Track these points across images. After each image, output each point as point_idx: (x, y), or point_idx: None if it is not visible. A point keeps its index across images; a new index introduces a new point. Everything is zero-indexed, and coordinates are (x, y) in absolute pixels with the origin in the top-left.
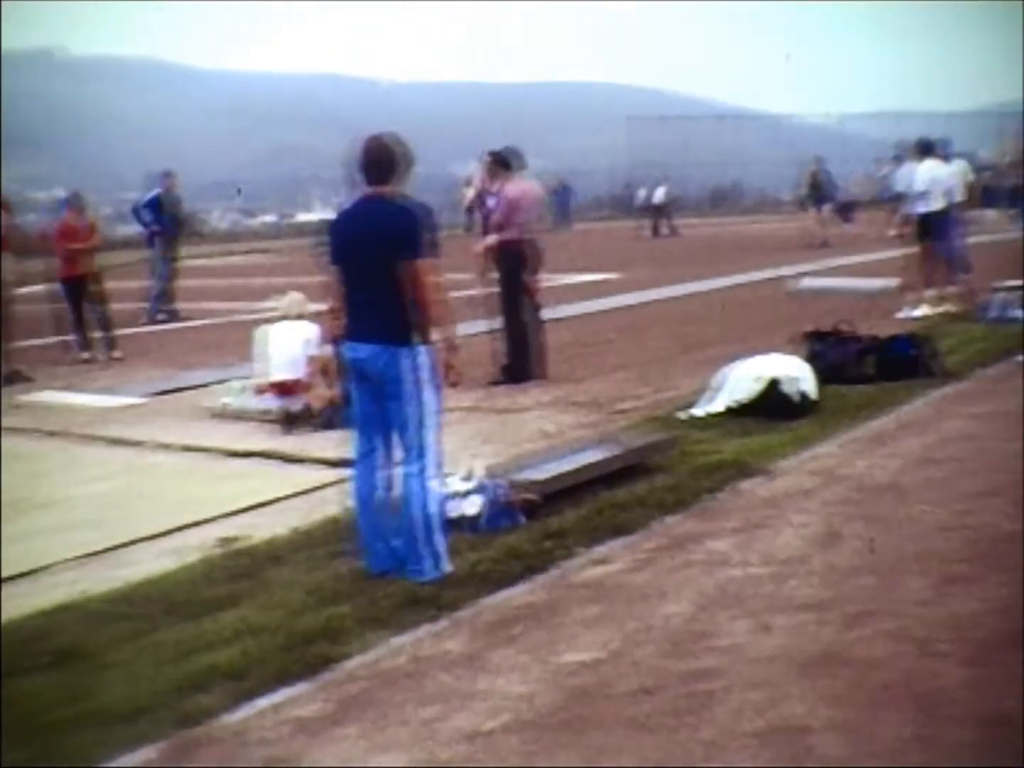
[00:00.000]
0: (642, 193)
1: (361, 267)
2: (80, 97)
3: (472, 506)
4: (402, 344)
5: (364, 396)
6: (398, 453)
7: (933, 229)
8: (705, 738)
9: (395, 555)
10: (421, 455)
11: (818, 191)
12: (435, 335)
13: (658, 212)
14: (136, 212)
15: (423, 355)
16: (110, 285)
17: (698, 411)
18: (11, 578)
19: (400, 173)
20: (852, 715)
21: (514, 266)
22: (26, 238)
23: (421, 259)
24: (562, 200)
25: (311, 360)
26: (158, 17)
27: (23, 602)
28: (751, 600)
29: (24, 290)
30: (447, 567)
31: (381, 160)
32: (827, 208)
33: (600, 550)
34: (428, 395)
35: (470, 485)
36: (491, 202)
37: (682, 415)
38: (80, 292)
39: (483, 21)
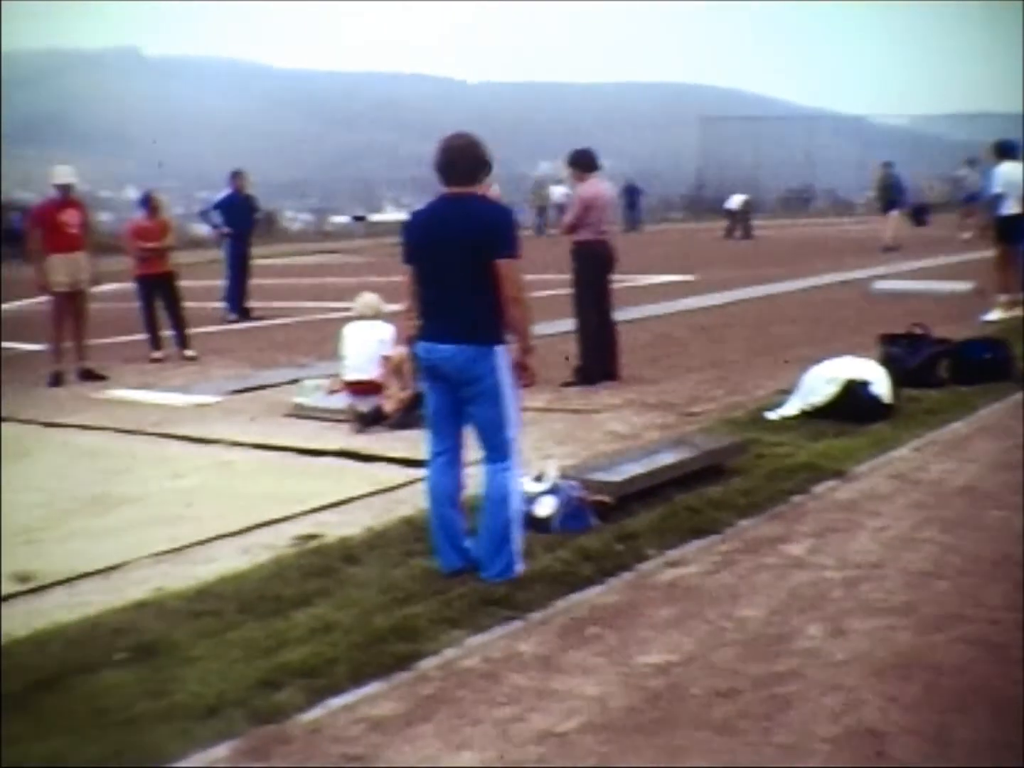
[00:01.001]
0: (729, 200)
1: (446, 266)
2: (155, 97)
3: (545, 507)
4: (486, 344)
5: (439, 396)
6: (472, 453)
7: (1010, 232)
8: (780, 742)
9: (468, 555)
10: (504, 455)
11: (887, 194)
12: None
13: (734, 215)
14: (203, 214)
15: (504, 355)
16: (185, 284)
17: (772, 414)
18: (90, 574)
19: (483, 173)
20: (928, 720)
21: (588, 267)
22: (101, 237)
23: (514, 259)
24: (631, 201)
25: (385, 360)
26: (236, 17)
27: (102, 598)
28: (826, 604)
29: (99, 288)
30: (521, 568)
31: (465, 159)
32: (896, 212)
33: (674, 553)
34: (509, 394)
35: (543, 486)
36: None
37: (758, 417)
38: (154, 291)
39: (558, 22)
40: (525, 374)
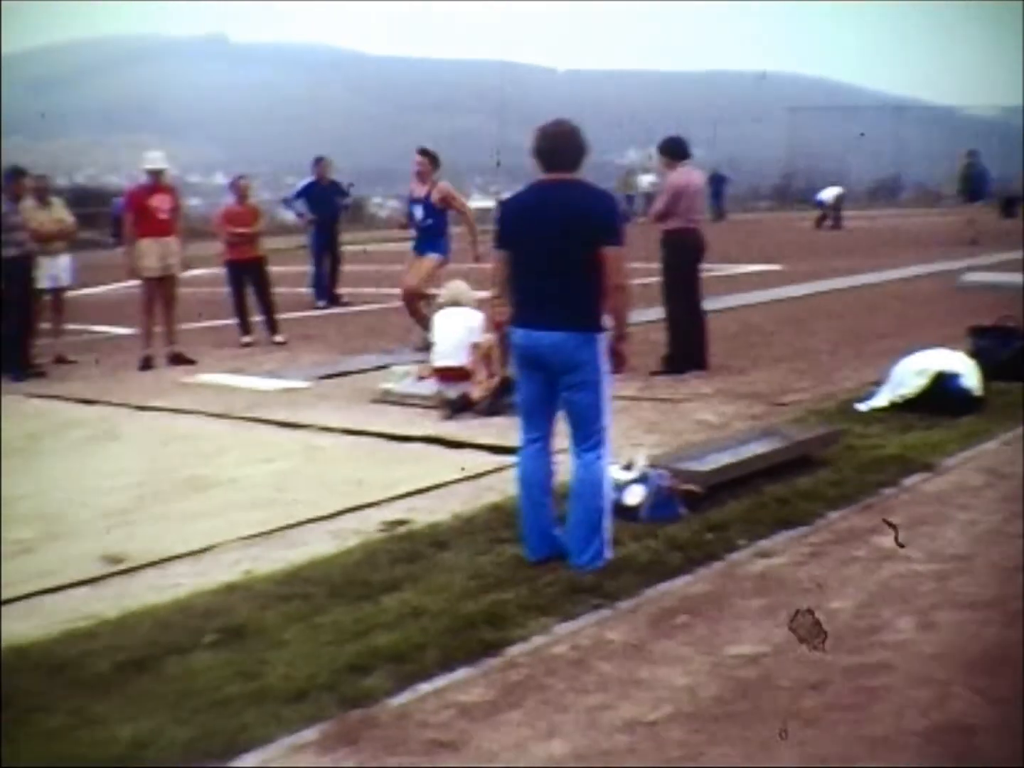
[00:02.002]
0: (822, 193)
1: (548, 253)
2: (244, 83)
3: (633, 496)
4: (590, 331)
5: (533, 383)
6: (562, 440)
7: None
8: (869, 735)
9: (557, 543)
10: (597, 443)
11: (970, 184)
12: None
13: (826, 206)
14: (287, 201)
15: (603, 342)
16: (274, 270)
17: (862, 405)
18: (180, 556)
19: (582, 160)
20: (1017, 716)
21: (678, 255)
22: (191, 222)
23: (620, 247)
24: (717, 190)
25: (474, 347)
26: (327, 3)
27: (192, 580)
28: (916, 597)
29: (190, 273)
30: (609, 556)
31: (567, 146)
32: (979, 204)
33: (764, 543)
34: (605, 382)
35: (632, 475)
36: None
37: (847, 408)
38: (243, 276)
39: (647, 10)
40: (619, 361)
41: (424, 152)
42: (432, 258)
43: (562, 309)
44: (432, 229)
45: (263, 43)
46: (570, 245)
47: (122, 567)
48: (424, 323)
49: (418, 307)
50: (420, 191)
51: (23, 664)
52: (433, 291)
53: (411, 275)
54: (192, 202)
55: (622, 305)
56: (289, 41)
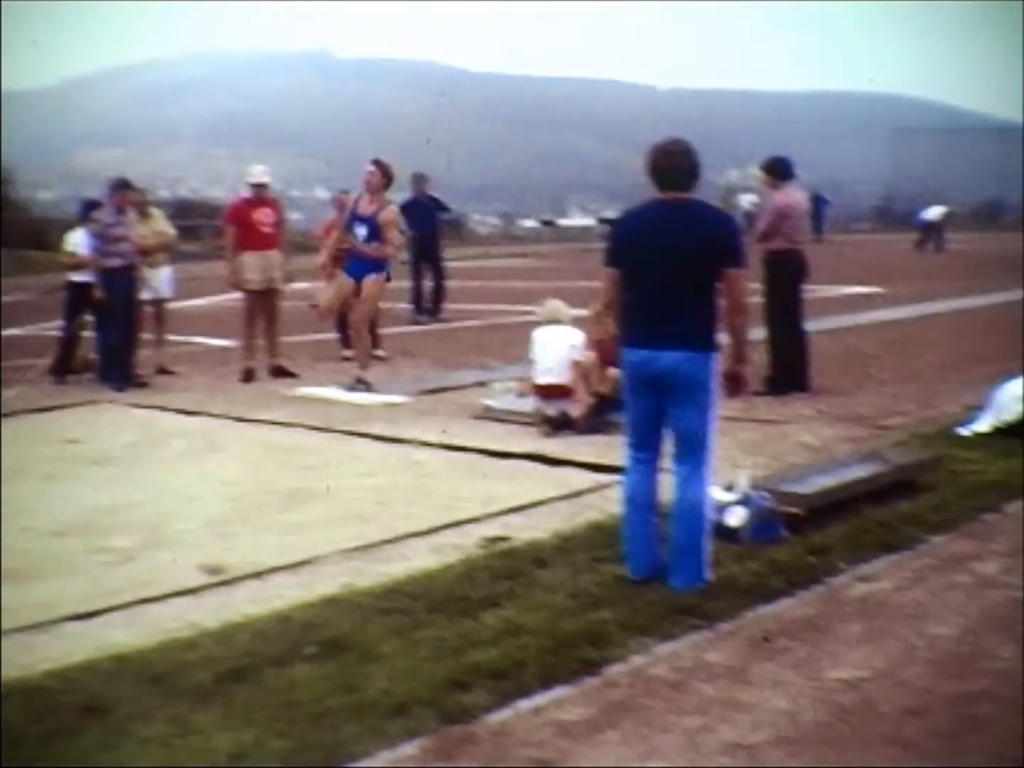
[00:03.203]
0: (926, 211)
1: (667, 272)
2: (346, 98)
3: (735, 517)
4: (707, 351)
5: (644, 403)
6: (666, 459)
7: None
8: (971, 763)
9: (657, 562)
10: (702, 463)
11: None
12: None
13: (930, 228)
14: None
15: (717, 363)
16: None
17: (964, 430)
18: (280, 568)
19: (697, 180)
20: None
21: (782, 276)
22: (292, 235)
23: (743, 268)
24: (817, 211)
25: (575, 365)
26: (430, 20)
27: (292, 592)
28: (1018, 624)
29: (292, 287)
30: (709, 577)
31: (685, 165)
32: None
33: (865, 568)
34: (715, 403)
35: (734, 496)
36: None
37: (949, 432)
38: None
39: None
40: (739, 384)
41: (378, 163)
42: (378, 281)
43: (682, 329)
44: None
45: (366, 59)
46: (694, 266)
47: (222, 578)
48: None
49: (362, 332)
50: (367, 208)
51: (123, 672)
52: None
53: (361, 302)
54: (293, 216)
55: (743, 327)
56: (392, 57)
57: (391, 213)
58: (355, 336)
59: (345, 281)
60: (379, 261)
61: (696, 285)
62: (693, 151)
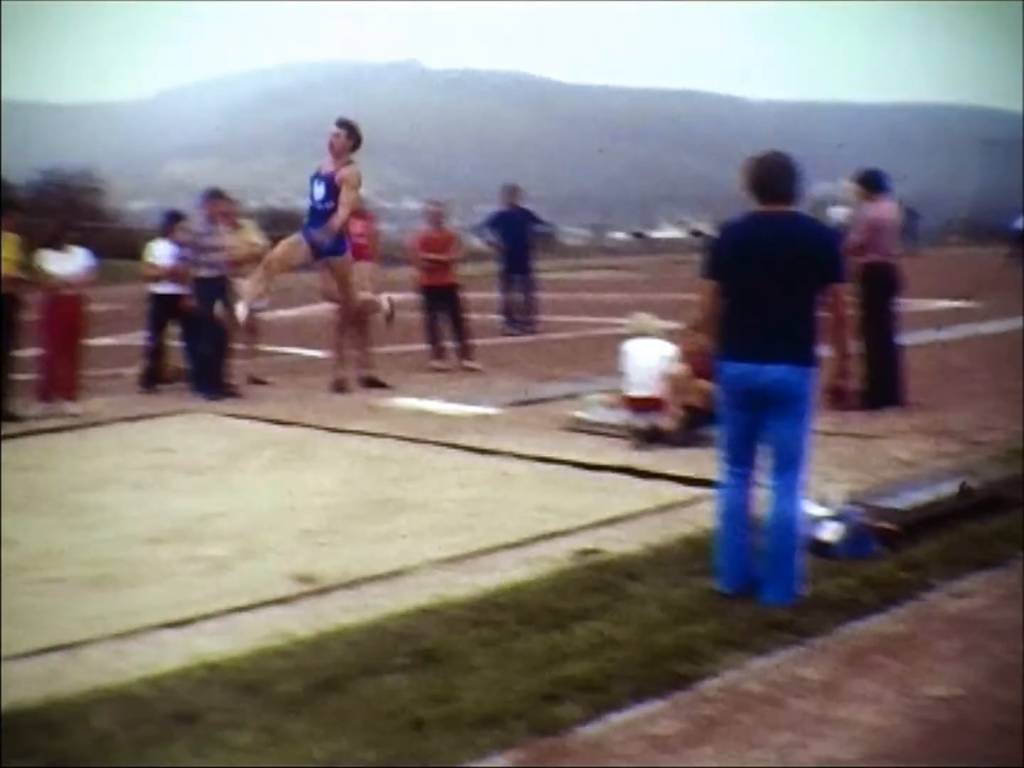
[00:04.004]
0: (1018, 220)
1: (773, 286)
2: (437, 109)
3: (828, 532)
4: (810, 365)
5: (742, 416)
6: (760, 474)
7: None
8: None
9: (750, 576)
10: (797, 478)
11: None
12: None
13: (1021, 239)
14: (478, 229)
15: (816, 376)
16: (469, 296)
17: None
18: (372, 578)
19: (799, 191)
20: None
21: (876, 289)
22: (384, 247)
23: (845, 282)
24: (909, 224)
25: (667, 378)
26: (521, 31)
27: (384, 602)
28: None
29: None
30: (802, 592)
31: (785, 177)
32: None
33: (960, 584)
34: (811, 417)
35: (827, 511)
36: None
37: None
38: (437, 301)
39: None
40: (840, 396)
41: (343, 124)
42: (340, 262)
43: (786, 343)
44: (331, 216)
45: (455, 70)
46: (796, 279)
47: (314, 587)
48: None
49: (368, 310)
50: (328, 168)
51: (215, 680)
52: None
53: (342, 291)
54: (385, 227)
55: (845, 340)
56: (480, 68)
57: (349, 172)
58: (352, 333)
59: (297, 241)
60: (338, 239)
61: (798, 298)
62: (795, 163)
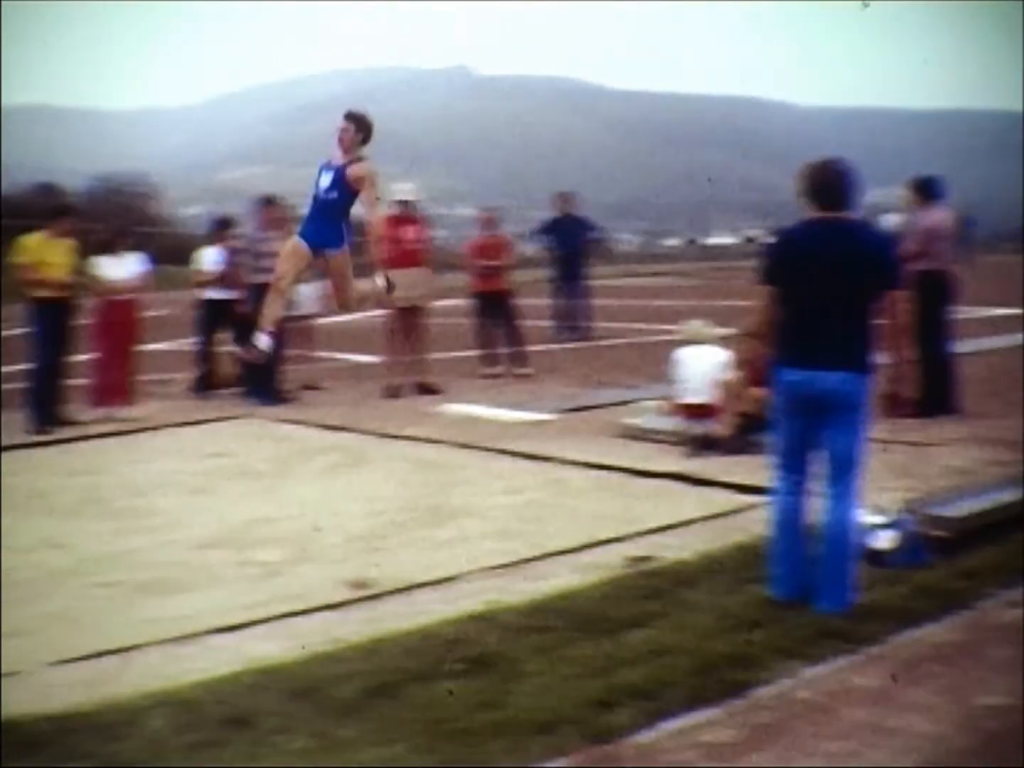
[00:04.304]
0: None
1: (831, 293)
2: (488, 116)
3: (882, 540)
4: (867, 373)
5: (798, 424)
6: (814, 481)
7: None
8: None
9: (803, 584)
10: (851, 486)
11: None
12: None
13: None
14: (532, 235)
15: (872, 384)
16: (522, 302)
17: None
18: (426, 584)
19: (856, 198)
20: None
21: (930, 297)
22: (436, 253)
23: (900, 289)
24: (965, 231)
25: (721, 384)
26: (570, 37)
27: (437, 608)
28: None
29: (437, 304)
30: (855, 600)
31: (843, 183)
32: None
33: (1014, 593)
34: (866, 425)
35: (881, 519)
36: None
37: None
38: (490, 307)
39: (893, 49)
40: (897, 403)
41: (351, 117)
42: (340, 257)
43: (844, 350)
44: (334, 208)
45: (506, 76)
46: (853, 286)
47: (368, 593)
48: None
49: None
50: (338, 160)
51: (268, 685)
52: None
53: (340, 292)
54: (438, 234)
55: (902, 348)
56: (532, 74)
57: (366, 170)
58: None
59: (295, 245)
60: (337, 226)
61: (855, 305)
62: (852, 170)
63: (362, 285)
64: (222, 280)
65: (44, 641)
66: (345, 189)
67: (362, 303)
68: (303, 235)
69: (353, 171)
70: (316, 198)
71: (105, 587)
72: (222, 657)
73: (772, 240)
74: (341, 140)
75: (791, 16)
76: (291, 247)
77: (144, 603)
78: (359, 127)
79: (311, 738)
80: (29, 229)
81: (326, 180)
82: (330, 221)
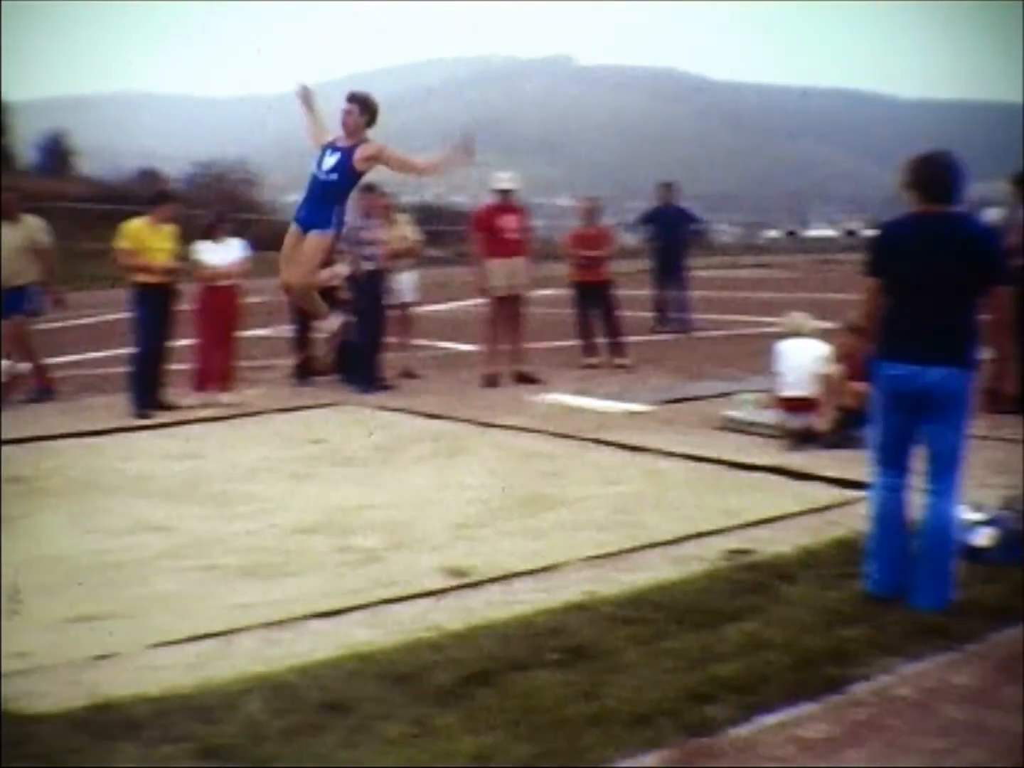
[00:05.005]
0: None
1: (936, 287)
2: (587, 105)
3: (982, 537)
4: (971, 369)
5: (898, 419)
6: (914, 477)
7: None
8: None
9: (901, 581)
10: (952, 482)
11: None
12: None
13: None
14: (633, 226)
15: (974, 380)
16: (621, 292)
17: None
18: (523, 573)
19: (963, 192)
20: None
21: None
22: (535, 243)
23: (1004, 284)
24: None
25: (821, 378)
26: (672, 26)
27: (535, 597)
28: None
29: (536, 293)
30: (954, 597)
31: (948, 176)
32: None
33: None
34: (968, 421)
35: (981, 516)
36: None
37: None
38: (590, 298)
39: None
40: (1002, 400)
41: (354, 98)
42: (316, 239)
43: (946, 345)
44: (332, 190)
45: (608, 65)
46: (959, 281)
47: (465, 580)
48: (314, 309)
49: (308, 297)
50: (343, 142)
51: (365, 671)
52: (324, 275)
53: (294, 266)
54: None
55: (1006, 343)
56: (634, 64)
57: (372, 147)
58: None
59: (295, 232)
60: (328, 211)
61: (960, 300)
62: (959, 163)
63: (323, 274)
64: None
65: (143, 623)
66: (348, 172)
67: (305, 293)
68: (296, 218)
69: (363, 151)
70: (315, 178)
71: (204, 571)
72: (320, 642)
73: (876, 233)
74: (345, 123)
75: (893, 9)
76: (290, 237)
77: (243, 587)
78: (363, 109)
79: (408, 724)
80: (132, 215)
81: (330, 161)
82: (325, 203)
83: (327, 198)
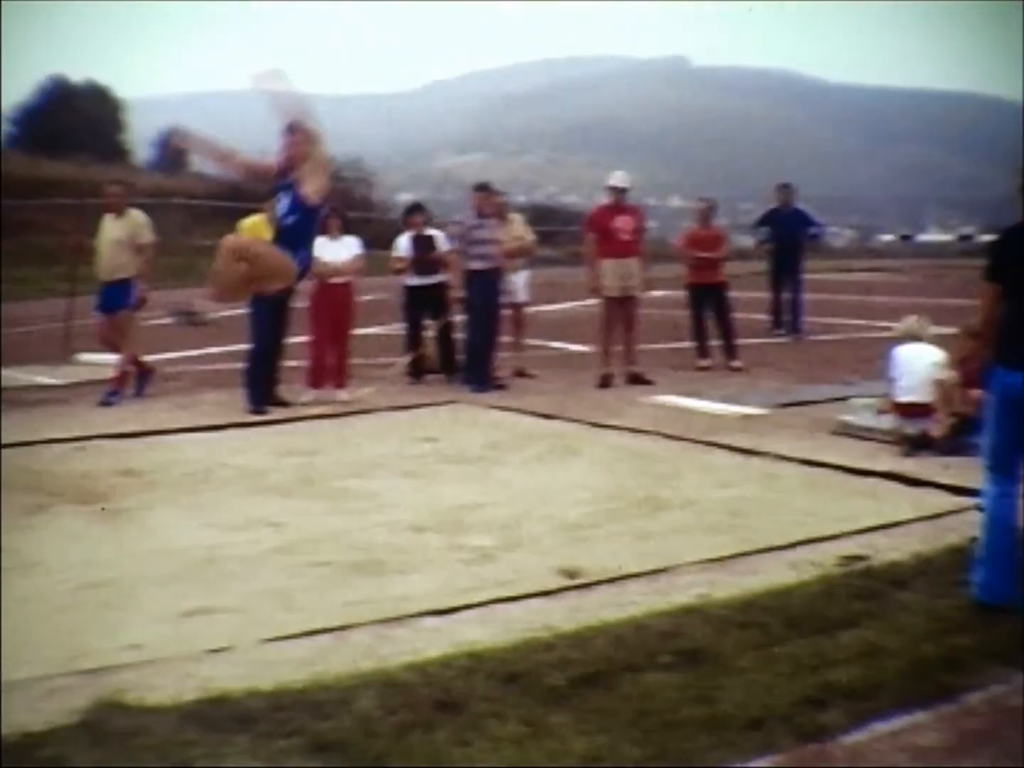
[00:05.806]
0: None
1: None
2: (702, 107)
3: None
4: None
5: (1010, 425)
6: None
7: None
8: None
9: (1014, 589)
10: None
11: None
12: None
13: None
14: (751, 228)
15: None
16: (732, 295)
17: None
18: (636, 575)
19: None
20: None
21: None
22: (648, 244)
23: None
24: None
25: (936, 384)
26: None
27: (647, 599)
28: None
29: (650, 295)
30: None
31: None
32: None
33: None
34: None
35: None
36: None
37: None
38: (704, 300)
39: None
40: None
41: (295, 129)
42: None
43: None
44: (294, 232)
45: (723, 67)
46: None
47: (578, 581)
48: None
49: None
50: (290, 177)
51: (478, 669)
52: None
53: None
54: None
55: None
56: (749, 66)
57: (298, 148)
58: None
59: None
60: (295, 249)
61: None
62: None
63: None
64: (413, 266)
65: (256, 618)
66: (301, 209)
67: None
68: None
69: (301, 175)
70: (277, 225)
71: (318, 566)
72: (433, 640)
73: (996, 238)
74: (291, 157)
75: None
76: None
77: (356, 583)
78: (307, 137)
79: (520, 724)
80: (245, 211)
81: (284, 204)
82: (290, 249)
83: (292, 243)
